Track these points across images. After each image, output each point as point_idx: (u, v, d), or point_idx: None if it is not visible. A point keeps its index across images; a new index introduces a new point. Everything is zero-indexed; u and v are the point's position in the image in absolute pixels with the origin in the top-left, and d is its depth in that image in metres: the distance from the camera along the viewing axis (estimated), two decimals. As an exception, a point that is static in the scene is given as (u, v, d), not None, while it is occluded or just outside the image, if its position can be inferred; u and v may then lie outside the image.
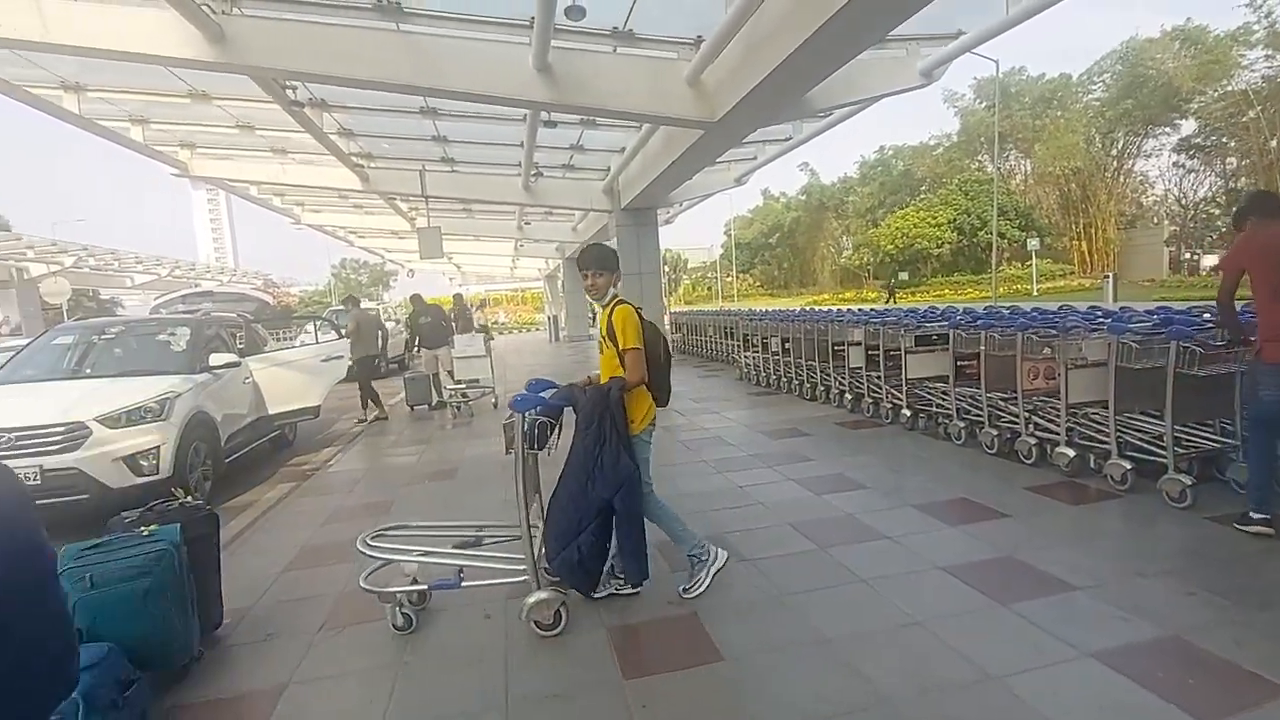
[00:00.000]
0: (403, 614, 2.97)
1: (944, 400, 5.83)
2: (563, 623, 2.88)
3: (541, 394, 2.97)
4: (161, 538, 2.69)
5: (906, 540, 3.63)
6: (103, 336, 6.15)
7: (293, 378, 6.96)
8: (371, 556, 3.05)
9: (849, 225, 57.83)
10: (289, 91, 7.42)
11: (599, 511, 2.88)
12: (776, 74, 5.84)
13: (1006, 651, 2.50)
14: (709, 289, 68.95)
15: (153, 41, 5.66)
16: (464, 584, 3.01)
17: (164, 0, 5.09)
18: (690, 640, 2.74)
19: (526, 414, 2.84)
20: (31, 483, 4.43)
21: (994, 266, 29.94)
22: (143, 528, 2.76)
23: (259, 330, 7.37)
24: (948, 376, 5.66)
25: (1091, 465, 4.50)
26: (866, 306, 14.30)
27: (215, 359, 5.91)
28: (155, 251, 29.81)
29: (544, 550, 2.98)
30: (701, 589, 3.15)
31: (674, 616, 2.96)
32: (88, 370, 5.65)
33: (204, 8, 5.45)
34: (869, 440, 6.12)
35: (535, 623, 2.86)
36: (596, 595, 3.12)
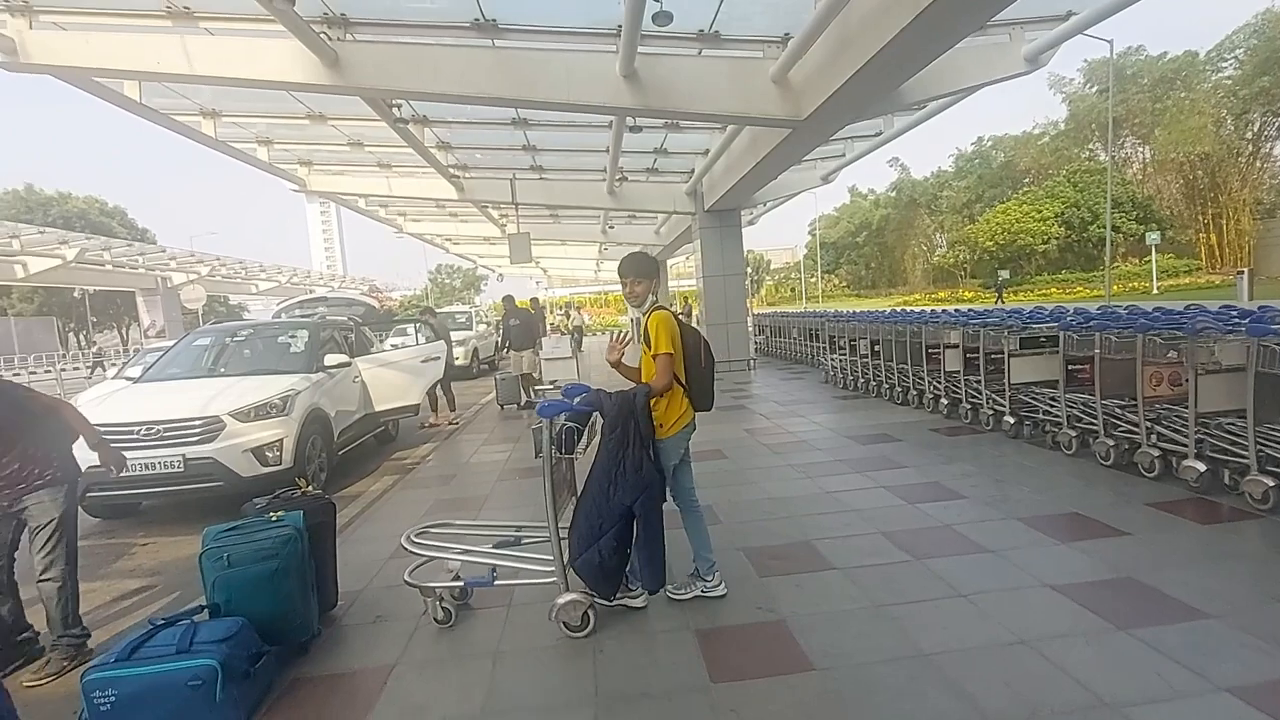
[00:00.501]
0: (443, 608, 3.12)
1: (1053, 406, 5.47)
2: (590, 625, 2.92)
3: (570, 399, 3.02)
4: (288, 523, 2.96)
5: (1011, 555, 3.44)
6: (234, 339, 6.79)
7: (396, 377, 7.42)
8: (415, 553, 3.21)
9: (943, 222, 55.01)
10: (394, 110, 7.92)
11: (620, 516, 2.89)
12: (868, 68, 5.66)
13: (1125, 679, 2.33)
14: (792, 290, 67.53)
15: (278, 69, 6.21)
16: (496, 582, 3.12)
17: (288, 30, 5.57)
18: (779, 647, 2.71)
19: (554, 419, 2.90)
20: (176, 470, 4.97)
21: (1107, 263, 27.58)
22: (271, 514, 3.03)
23: (366, 332, 7.89)
24: (1056, 381, 5.31)
25: (1225, 481, 4.09)
26: (963, 307, 13.58)
27: (329, 359, 6.40)
28: (275, 260, 32.60)
29: (568, 551, 3.00)
30: (684, 595, 3.18)
31: (762, 622, 2.94)
32: (221, 369, 6.25)
33: (322, 35, 5.92)
34: (966, 447, 5.81)
35: (564, 623, 2.91)
36: (611, 603, 3.10)
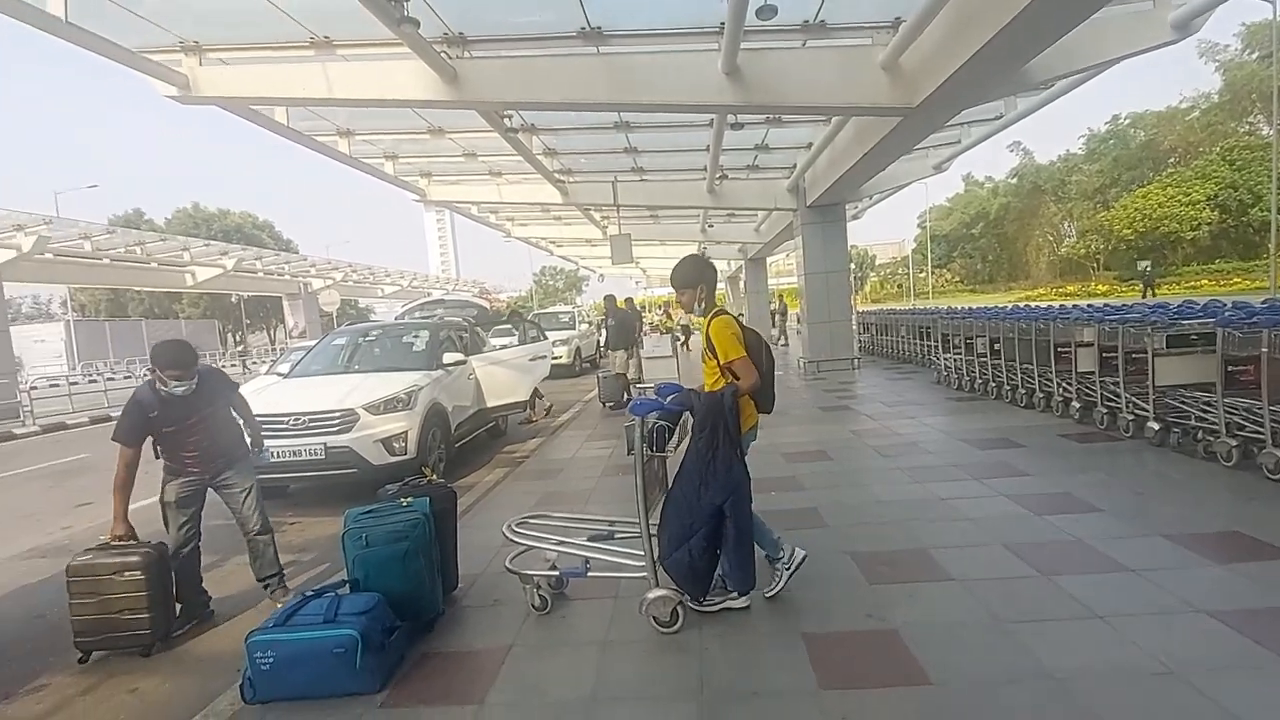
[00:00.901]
0: (540, 595, 3.25)
1: (1207, 412, 4.90)
2: (680, 621, 2.94)
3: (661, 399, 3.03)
4: (416, 509, 3.21)
5: (1156, 575, 3.13)
6: (365, 339, 7.42)
7: (506, 374, 7.81)
8: (515, 541, 3.37)
9: (1071, 209, 50.29)
10: (505, 120, 8.33)
11: (710, 516, 2.88)
12: (990, 48, 5.31)
13: (1303, 722, 2.07)
14: (899, 286, 64.27)
15: (405, 88, 6.71)
16: (590, 574, 3.20)
17: (413, 52, 6.01)
18: (892, 658, 2.63)
19: (645, 418, 2.92)
20: (318, 457, 5.50)
21: (1272, 251, 24.11)
22: (402, 499, 3.30)
23: (479, 332, 8.35)
24: (1213, 384, 4.75)
25: None
26: (1096, 302, 12.39)
27: (447, 357, 6.84)
28: (397, 266, 35.18)
29: (658, 550, 3.00)
30: (709, 608, 3.08)
31: (873, 630, 2.85)
32: (355, 366, 6.84)
33: (442, 54, 6.34)
34: (1102, 456, 5.33)
35: (654, 618, 2.95)
36: (706, 607, 3.07)
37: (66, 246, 17.14)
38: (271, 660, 2.58)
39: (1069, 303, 9.99)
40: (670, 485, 3.06)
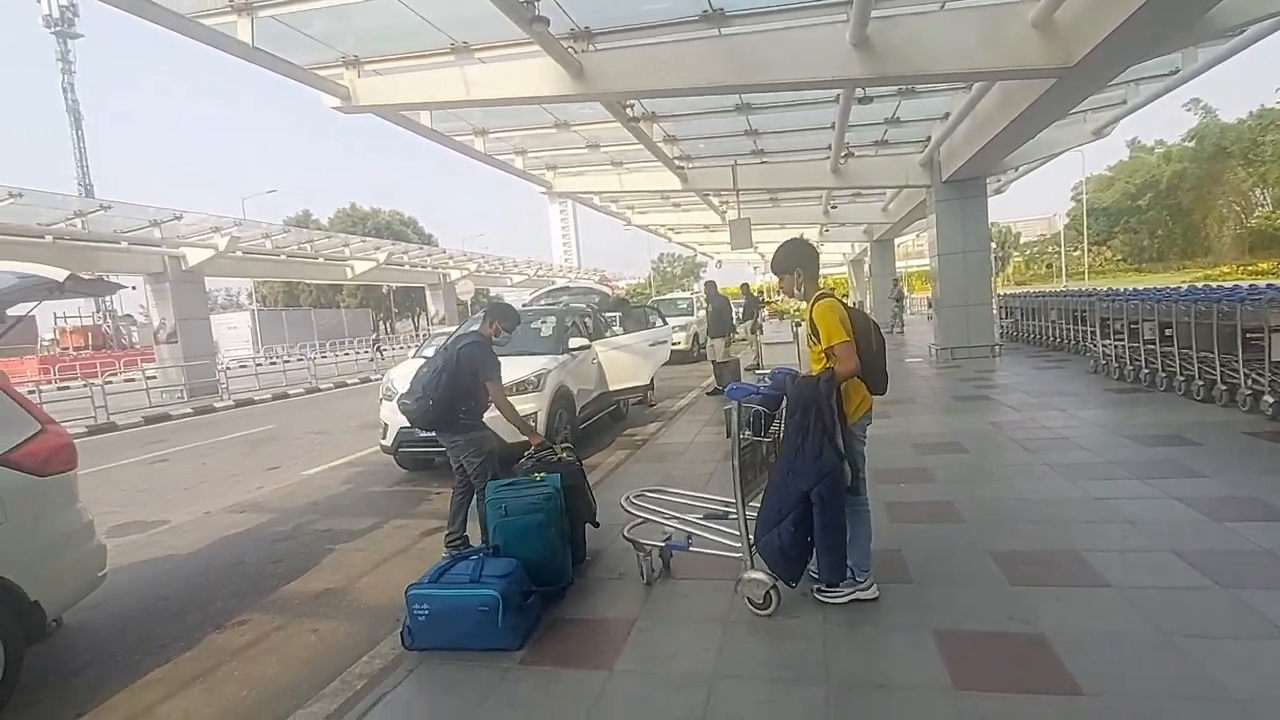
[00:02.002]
0: (649, 565, 3.39)
1: None
2: (774, 604, 2.95)
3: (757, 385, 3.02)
4: (549, 483, 3.43)
5: (1376, 598, 2.69)
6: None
7: (627, 359, 8.02)
8: (630, 513, 3.53)
9: (1265, 174, 42.95)
10: (627, 110, 8.48)
11: (798, 502, 2.81)
12: (1168, -5, 4.69)
13: None
14: (1048, 266, 58.24)
15: (535, 85, 7.04)
16: (691, 549, 3.28)
17: (542, 50, 6.28)
18: (1037, 663, 2.46)
19: (742, 402, 2.94)
20: (459, 434, 5.96)
21: None
22: (536, 474, 3.53)
23: (602, 318, 8.63)
24: None
25: None
26: (1305, 281, 10.57)
27: (573, 343, 7.15)
28: (524, 256, 37.03)
29: (752, 532, 2.98)
30: (838, 600, 3.00)
31: (1015, 633, 2.68)
32: (489, 350, 7.32)
33: (569, 50, 6.57)
34: (1305, 459, 4.61)
35: (749, 599, 2.99)
36: (833, 598, 3.01)
37: (252, 245, 19.60)
38: (427, 613, 2.88)
39: (1261, 282, 8.61)
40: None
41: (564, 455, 3.93)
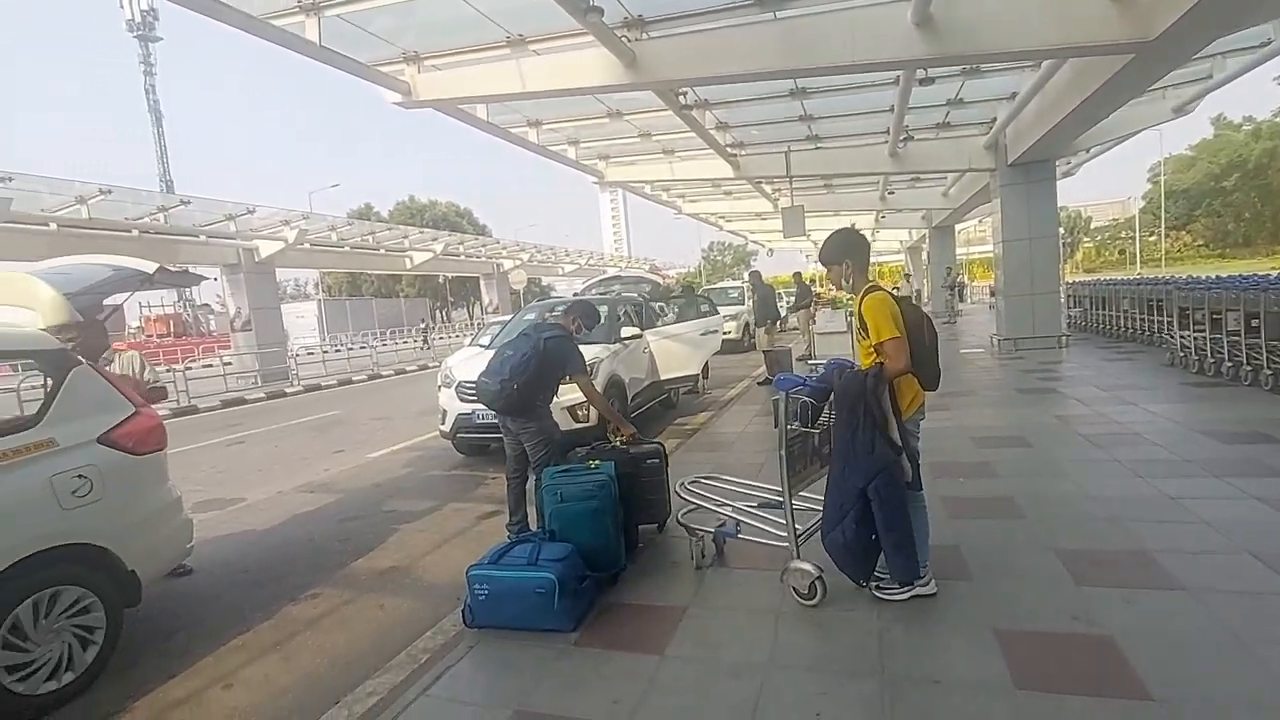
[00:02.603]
0: (702, 550, 3.48)
1: None
2: (819, 595, 2.96)
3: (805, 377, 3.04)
4: (604, 471, 3.49)
5: None
6: (551, 314, 8.03)
7: (679, 349, 8.04)
8: (684, 499, 3.62)
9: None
10: (680, 98, 8.44)
11: (857, 498, 2.79)
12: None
13: None
14: (1121, 252, 55.10)
15: (588, 75, 7.08)
16: (740, 536, 3.33)
17: (596, 40, 6.31)
18: (1105, 666, 2.39)
19: (790, 393, 2.93)
20: (513, 421, 6.11)
21: None
22: (591, 462, 3.60)
23: (653, 307, 8.66)
24: None
25: None
26: None
27: (624, 331, 7.20)
28: (575, 246, 37.40)
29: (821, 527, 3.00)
30: (899, 597, 2.94)
31: (1081, 635, 2.60)
32: (543, 339, 7.45)
33: (623, 39, 6.58)
34: None
35: (794, 589, 3.01)
36: (893, 595, 2.95)
37: (319, 237, 20.46)
38: (486, 592, 2.99)
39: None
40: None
41: (619, 444, 4.00)
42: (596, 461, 3.60)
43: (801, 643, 2.74)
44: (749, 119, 10.95)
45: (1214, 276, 9.06)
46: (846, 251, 3.04)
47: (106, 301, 3.65)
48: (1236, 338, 7.10)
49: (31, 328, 3.02)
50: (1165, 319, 9.61)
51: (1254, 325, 6.77)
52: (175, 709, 2.78)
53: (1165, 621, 2.64)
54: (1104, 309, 13.17)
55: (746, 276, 11.13)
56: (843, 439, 2.84)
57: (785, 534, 3.08)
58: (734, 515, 3.42)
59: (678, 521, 3.60)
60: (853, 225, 3.11)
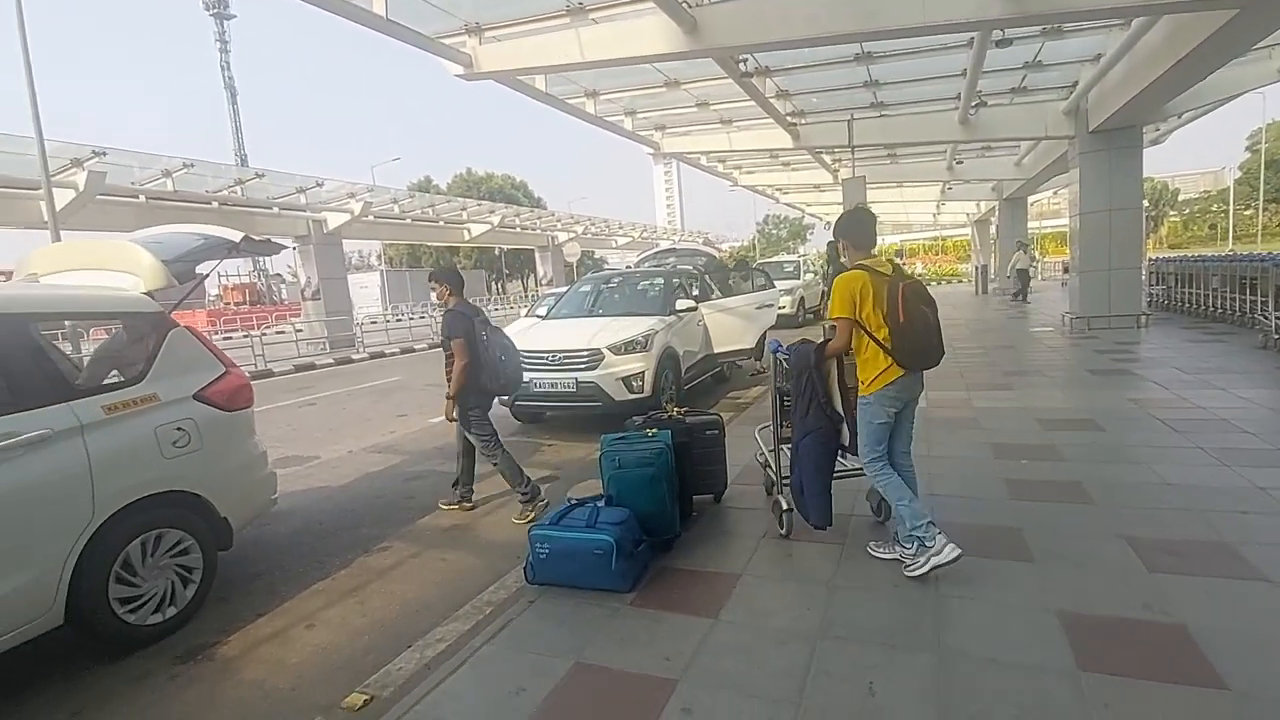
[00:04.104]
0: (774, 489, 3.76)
1: None
2: (787, 527, 3.50)
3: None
4: (660, 439, 3.55)
5: None
6: (607, 285, 8.11)
7: (733, 322, 7.99)
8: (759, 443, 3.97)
9: None
10: (740, 65, 8.25)
11: (794, 453, 3.27)
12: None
13: None
14: (1212, 227, 51.23)
15: (647, 43, 7.00)
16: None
17: (654, 6, 6.22)
18: (1176, 655, 2.31)
19: (777, 355, 3.49)
20: (570, 390, 6.25)
21: None
22: (648, 430, 3.66)
23: (708, 280, 8.61)
24: None
25: None
26: None
27: (679, 304, 7.21)
28: (629, 218, 37.33)
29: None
30: (920, 571, 2.94)
31: (1152, 622, 2.52)
32: (599, 311, 7.53)
33: (683, 5, 6.46)
34: None
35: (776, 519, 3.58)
36: (912, 570, 2.98)
37: (382, 210, 21.08)
38: (547, 551, 3.11)
39: None
40: None
41: (676, 414, 4.05)
42: (654, 430, 3.66)
43: (854, 615, 2.75)
44: (810, 86, 10.62)
45: (1319, 253, 8.37)
46: (842, 232, 3.26)
47: (198, 269, 3.90)
48: (1342, 320, 6.58)
49: (134, 291, 3.25)
50: (1260, 299, 8.96)
51: (1363, 306, 6.26)
52: (265, 643, 3.02)
53: (1246, 614, 2.53)
54: (1190, 287, 12.36)
55: (824, 247, 10.90)
56: (793, 402, 3.28)
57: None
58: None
59: (756, 460, 3.84)
60: (859, 206, 3.30)
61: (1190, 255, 16.32)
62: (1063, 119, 11.26)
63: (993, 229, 25.91)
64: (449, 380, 4.41)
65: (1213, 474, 4.05)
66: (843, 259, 3.26)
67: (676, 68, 9.15)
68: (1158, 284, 14.21)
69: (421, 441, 6.90)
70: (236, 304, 42.32)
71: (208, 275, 4.07)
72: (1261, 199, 44.84)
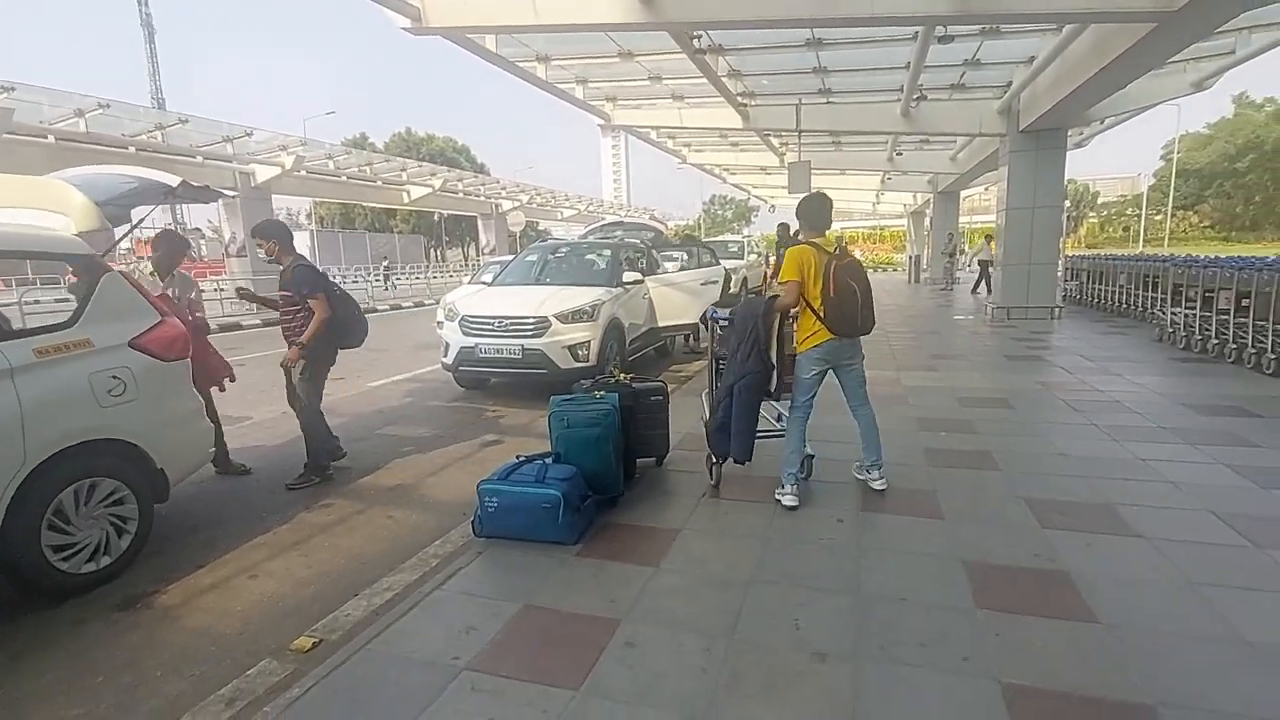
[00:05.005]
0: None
1: None
2: (717, 479, 3.87)
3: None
4: (608, 401, 3.67)
5: None
6: (555, 255, 8.10)
7: (677, 297, 8.14)
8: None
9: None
10: (694, 41, 8.29)
11: (726, 394, 3.53)
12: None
13: None
14: (1125, 229, 54.90)
15: (603, 11, 6.94)
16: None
17: (613, -26, 6.20)
18: (1058, 595, 2.63)
19: (712, 319, 3.85)
20: (516, 356, 6.28)
21: None
22: (596, 392, 3.78)
23: (654, 254, 8.72)
24: None
25: None
26: None
27: (626, 276, 7.29)
28: (575, 191, 36.82)
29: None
30: (778, 497, 3.59)
31: (1041, 569, 2.85)
32: (546, 279, 7.53)
33: (640, -25, 6.46)
34: (1371, 438, 4.53)
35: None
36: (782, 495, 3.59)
37: (315, 165, 20.11)
38: (496, 505, 3.20)
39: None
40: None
41: (623, 378, 4.16)
42: (601, 392, 3.77)
43: (785, 564, 2.98)
44: (762, 68, 10.78)
45: (1212, 256, 9.21)
46: (801, 212, 3.70)
47: (132, 213, 3.72)
48: (1226, 316, 7.30)
49: (65, 232, 3.10)
50: (1159, 295, 9.79)
51: (1244, 305, 6.97)
52: (207, 593, 3.01)
53: (1120, 563, 2.89)
54: (1101, 284, 13.33)
55: (775, 229, 11.10)
56: (732, 347, 3.55)
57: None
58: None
59: (702, 421, 4.01)
60: (819, 192, 3.62)
61: (1103, 254, 17.55)
62: (996, 117, 11.85)
63: (927, 221, 27.03)
64: (288, 335, 4.50)
65: (1103, 447, 4.50)
66: (799, 236, 3.67)
67: (631, 39, 9.12)
68: (1072, 279, 15.25)
69: (360, 405, 6.80)
70: (150, 259, 39.57)
71: (142, 220, 3.88)
72: (1170, 205, 48.33)
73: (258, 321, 14.96)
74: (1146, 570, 2.82)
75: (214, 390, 4.49)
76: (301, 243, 37.65)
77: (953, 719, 1.96)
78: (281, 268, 4.48)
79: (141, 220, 3.81)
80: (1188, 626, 2.41)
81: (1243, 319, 7.00)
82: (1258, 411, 5.20)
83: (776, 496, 3.61)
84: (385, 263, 31.99)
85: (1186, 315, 8.20)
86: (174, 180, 3.53)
